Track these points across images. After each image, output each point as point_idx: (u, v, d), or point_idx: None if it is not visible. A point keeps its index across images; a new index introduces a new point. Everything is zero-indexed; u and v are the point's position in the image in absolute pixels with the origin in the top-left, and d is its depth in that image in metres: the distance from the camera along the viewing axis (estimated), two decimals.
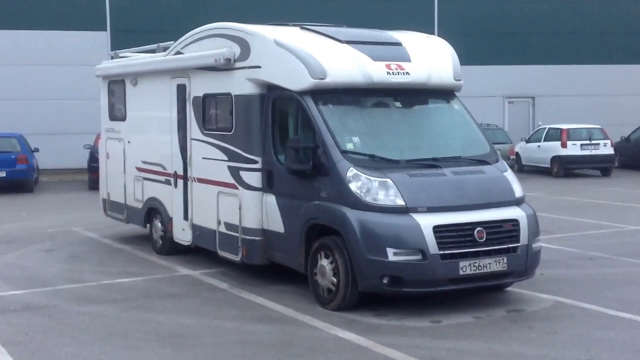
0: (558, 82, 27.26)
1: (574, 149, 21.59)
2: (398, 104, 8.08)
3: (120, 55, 11.85)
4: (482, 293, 7.65)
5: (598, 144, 21.68)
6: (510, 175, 7.76)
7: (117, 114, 11.30)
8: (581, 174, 22.30)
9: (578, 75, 27.48)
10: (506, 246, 7.16)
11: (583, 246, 10.50)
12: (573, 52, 27.56)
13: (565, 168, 21.74)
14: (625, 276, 8.78)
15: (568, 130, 21.92)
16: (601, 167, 22.07)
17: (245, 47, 8.18)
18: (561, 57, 27.39)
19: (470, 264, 6.95)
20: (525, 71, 27.15)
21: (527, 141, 23.26)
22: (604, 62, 27.64)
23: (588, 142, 21.64)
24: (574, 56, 27.51)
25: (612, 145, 22.03)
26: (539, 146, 22.52)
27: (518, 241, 7.24)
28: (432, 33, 9.59)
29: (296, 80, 7.64)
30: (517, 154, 22.92)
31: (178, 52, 9.63)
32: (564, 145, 21.65)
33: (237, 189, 8.33)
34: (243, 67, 8.21)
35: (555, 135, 22.06)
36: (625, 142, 23.95)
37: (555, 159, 21.82)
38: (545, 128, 22.85)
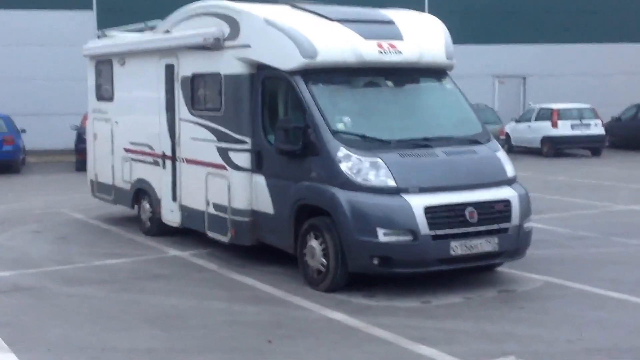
0: (549, 61, 27.16)
1: (564, 128, 21.56)
2: (389, 83, 8.01)
3: (108, 34, 11.69)
4: (472, 273, 7.63)
5: (589, 123, 21.66)
6: (502, 155, 7.72)
7: (104, 94, 11.18)
8: (571, 153, 22.31)
9: (569, 55, 27.38)
10: (497, 226, 7.14)
11: (573, 226, 10.50)
12: (564, 31, 27.44)
13: (556, 148, 21.72)
14: (615, 256, 8.79)
15: (559, 110, 21.88)
16: (591, 147, 22.06)
17: (234, 26, 8.07)
18: (552, 36, 27.28)
19: (461, 244, 6.93)
20: (516, 50, 27.05)
21: (518, 121, 23.21)
22: (595, 41, 27.55)
23: (579, 122, 21.62)
24: (565, 35, 27.40)
25: (603, 125, 22.00)
26: (529, 126, 22.49)
27: (509, 221, 7.22)
28: (422, 11, 9.48)
29: (286, 59, 7.55)
30: (507, 134, 22.87)
31: (166, 32, 9.51)
32: (554, 125, 21.61)
33: (226, 169, 8.26)
34: (232, 47, 8.10)
35: (546, 115, 22.02)
36: (616, 121, 23.94)
37: (546, 139, 21.80)
38: (536, 108, 22.81)
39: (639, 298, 6.91)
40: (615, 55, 27.66)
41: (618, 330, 6.08)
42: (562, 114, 21.74)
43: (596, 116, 21.94)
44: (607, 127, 22.51)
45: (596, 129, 21.73)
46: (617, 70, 27.62)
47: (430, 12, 8.96)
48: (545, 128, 21.84)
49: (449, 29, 8.49)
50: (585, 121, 21.64)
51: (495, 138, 8.16)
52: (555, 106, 22.16)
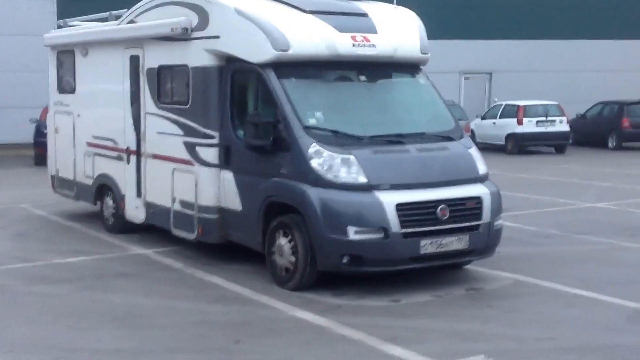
0: (515, 57, 27.33)
1: (529, 125, 21.67)
2: (363, 77, 7.88)
3: (70, 24, 11.40)
4: (441, 271, 7.60)
5: (554, 120, 21.83)
6: (474, 151, 7.69)
7: (66, 86, 10.88)
8: (535, 151, 22.51)
9: (535, 51, 27.57)
10: (468, 224, 7.11)
11: (539, 224, 10.55)
12: (531, 28, 27.63)
13: (520, 145, 21.85)
14: (582, 254, 8.84)
15: (525, 107, 22.00)
16: (556, 144, 22.24)
17: (203, 16, 7.88)
18: (519, 33, 27.44)
19: (431, 242, 6.88)
20: (481, 46, 27.16)
21: (483, 118, 23.30)
22: (562, 37, 27.79)
23: (544, 118, 21.76)
24: (531, 31, 27.59)
25: (567, 122, 22.19)
26: (494, 123, 22.58)
27: (480, 219, 7.19)
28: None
29: (257, 51, 7.39)
30: (471, 131, 22.95)
31: (131, 21, 9.27)
32: (519, 122, 21.72)
33: (193, 165, 8.09)
34: (201, 38, 7.90)
35: (512, 112, 22.11)
36: (581, 119, 24.19)
37: (510, 136, 21.92)
38: (502, 104, 22.92)
39: (607, 296, 6.94)
40: (582, 52, 27.96)
41: (588, 329, 6.09)
42: (527, 111, 21.83)
43: (562, 113, 22.11)
44: (571, 124, 22.70)
45: (561, 126, 21.90)
46: (584, 67, 27.92)
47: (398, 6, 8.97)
48: (510, 125, 21.94)
49: None
50: (550, 118, 21.81)
51: None
52: (521, 103, 22.26)
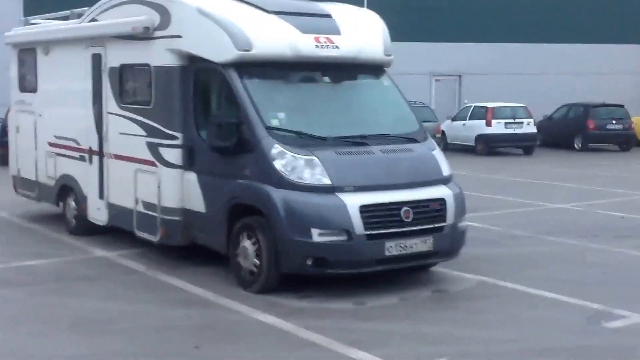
0: (485, 60, 27.56)
1: (498, 127, 21.90)
2: (326, 78, 7.86)
3: (32, 21, 11.21)
4: (406, 273, 7.56)
5: (522, 122, 22.08)
6: (438, 153, 7.68)
7: (27, 85, 10.70)
8: (504, 152, 22.72)
9: (504, 54, 27.84)
10: (432, 226, 7.09)
11: (506, 224, 10.60)
12: (500, 31, 27.88)
13: (490, 146, 22.05)
14: (548, 255, 8.87)
15: (493, 108, 22.21)
16: (524, 145, 22.49)
17: (165, 15, 7.78)
18: (488, 36, 27.68)
19: (396, 244, 6.85)
20: (452, 49, 27.33)
21: (453, 119, 23.46)
22: (530, 41, 28.09)
23: (512, 120, 22.00)
24: (500, 35, 27.84)
25: (535, 124, 22.43)
26: (464, 124, 22.76)
27: (444, 221, 7.18)
28: (361, 7, 9.36)
29: (220, 51, 7.31)
30: (442, 132, 23.08)
31: (93, 20, 9.14)
32: (488, 124, 21.93)
33: (156, 166, 7.97)
34: (163, 37, 7.81)
35: (481, 113, 22.33)
36: (548, 120, 24.49)
37: (480, 138, 22.11)
38: (471, 106, 23.11)
39: (572, 298, 6.96)
40: (550, 55, 28.28)
41: (551, 330, 6.10)
42: (496, 113, 22.07)
43: (529, 115, 22.37)
44: (538, 126, 22.98)
45: (529, 127, 22.17)
46: (552, 70, 28.24)
47: (368, 8, 8.95)
48: (479, 126, 22.14)
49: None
50: (518, 120, 22.05)
51: (432, 136, 8.15)
52: (489, 105, 22.49)
